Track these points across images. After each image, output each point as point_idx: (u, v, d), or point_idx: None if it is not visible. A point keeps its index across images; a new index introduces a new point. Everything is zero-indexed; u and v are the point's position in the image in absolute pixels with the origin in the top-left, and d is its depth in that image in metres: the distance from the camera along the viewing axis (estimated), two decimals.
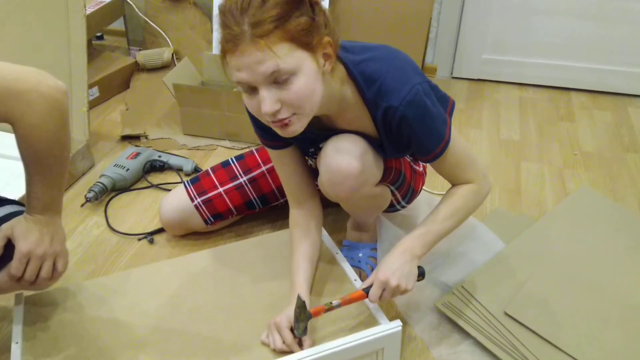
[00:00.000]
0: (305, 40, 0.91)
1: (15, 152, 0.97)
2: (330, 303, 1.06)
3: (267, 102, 0.92)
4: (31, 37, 1.73)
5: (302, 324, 1.03)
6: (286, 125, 0.96)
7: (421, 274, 1.12)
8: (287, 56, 0.89)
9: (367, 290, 1.07)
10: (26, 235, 1.01)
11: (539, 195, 1.70)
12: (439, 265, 1.38)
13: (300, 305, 1.03)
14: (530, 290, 1.26)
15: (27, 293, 1.22)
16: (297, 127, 0.97)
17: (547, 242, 1.43)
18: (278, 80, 0.91)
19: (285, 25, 0.89)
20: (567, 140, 1.99)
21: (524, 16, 2.24)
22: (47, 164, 0.99)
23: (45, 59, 1.72)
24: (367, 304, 1.14)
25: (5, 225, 1.03)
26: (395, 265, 1.06)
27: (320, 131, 1.12)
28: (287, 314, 1.09)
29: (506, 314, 1.20)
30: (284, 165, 1.22)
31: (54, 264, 1.05)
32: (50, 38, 1.72)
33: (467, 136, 2.01)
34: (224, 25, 0.91)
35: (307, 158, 1.25)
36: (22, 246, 1.01)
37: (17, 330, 1.11)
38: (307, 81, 0.92)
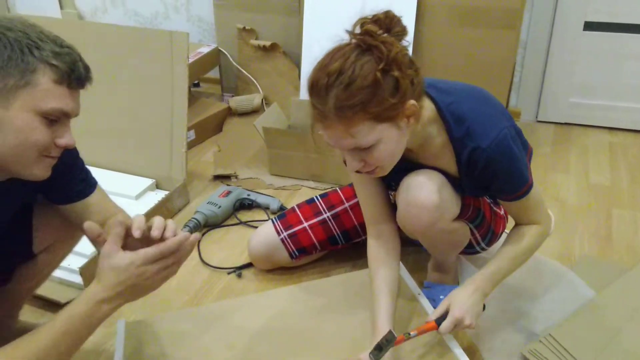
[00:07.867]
0: (387, 115, 0.97)
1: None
2: (409, 334, 1.10)
3: (351, 163, 1.04)
4: (141, 84, 1.91)
5: (383, 353, 1.06)
6: (369, 173, 1.06)
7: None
8: (367, 134, 0.97)
9: (438, 321, 1.11)
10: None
11: (632, 242, 1.62)
12: (525, 312, 1.35)
13: (390, 340, 1.06)
14: (624, 343, 1.20)
15: (128, 319, 1.32)
16: (381, 174, 1.07)
17: None
18: (360, 148, 1.00)
19: (367, 109, 0.95)
20: None
21: (613, 59, 2.19)
22: None
23: (152, 104, 1.89)
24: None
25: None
26: (469, 303, 1.11)
27: (402, 163, 1.15)
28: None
29: None
30: (364, 185, 1.26)
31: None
32: (157, 85, 1.88)
33: (554, 180, 1.96)
34: (311, 94, 0.99)
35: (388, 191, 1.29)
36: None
37: (118, 356, 1.19)
38: (388, 148, 1.01)
